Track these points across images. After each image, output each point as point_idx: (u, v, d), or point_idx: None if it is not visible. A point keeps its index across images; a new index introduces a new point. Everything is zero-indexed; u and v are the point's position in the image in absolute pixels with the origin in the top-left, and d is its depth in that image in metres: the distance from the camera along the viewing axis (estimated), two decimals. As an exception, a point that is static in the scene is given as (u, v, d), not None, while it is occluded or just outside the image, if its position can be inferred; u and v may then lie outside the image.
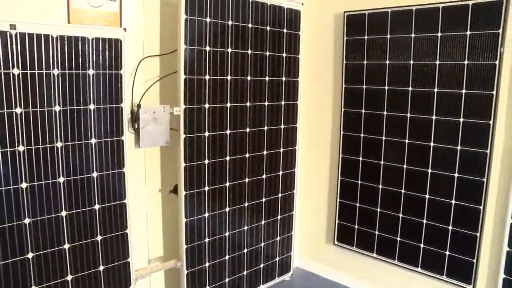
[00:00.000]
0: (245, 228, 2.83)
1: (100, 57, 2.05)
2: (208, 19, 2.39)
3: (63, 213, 2.01)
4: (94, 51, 2.02)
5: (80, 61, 1.98)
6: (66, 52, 1.93)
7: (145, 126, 2.30)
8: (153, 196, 2.62)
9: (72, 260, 2.06)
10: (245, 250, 2.86)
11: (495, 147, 2.36)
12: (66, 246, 2.03)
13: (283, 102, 2.93)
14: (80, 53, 1.97)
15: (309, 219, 3.36)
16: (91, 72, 2.02)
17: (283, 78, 2.90)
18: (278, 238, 3.09)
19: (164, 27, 2.48)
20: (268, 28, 2.73)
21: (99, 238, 2.15)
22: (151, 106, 2.34)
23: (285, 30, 2.85)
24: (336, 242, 3.13)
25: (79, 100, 2.00)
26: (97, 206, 2.12)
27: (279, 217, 3.06)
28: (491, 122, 2.32)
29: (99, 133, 2.09)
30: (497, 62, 2.28)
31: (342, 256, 3.17)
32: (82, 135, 2.03)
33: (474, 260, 2.47)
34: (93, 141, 2.07)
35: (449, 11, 2.41)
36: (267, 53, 2.75)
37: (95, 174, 2.10)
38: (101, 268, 2.17)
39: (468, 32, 2.36)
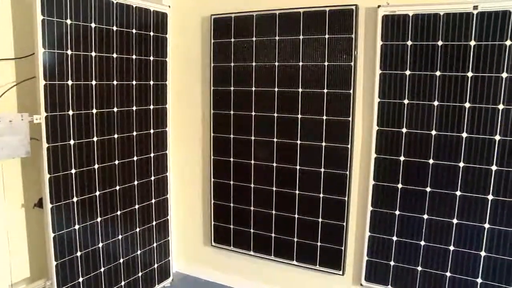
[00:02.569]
0: (120, 237, 2.73)
1: None
2: (68, 21, 2.26)
3: None
4: None
5: None
6: None
7: (0, 137, 2.10)
8: (15, 212, 2.40)
9: None
10: (121, 260, 2.76)
11: (355, 142, 2.60)
12: None
13: (152, 107, 2.88)
14: None
15: (185, 222, 3.36)
16: None
17: (151, 82, 2.86)
18: (155, 244, 3.03)
19: (19, 29, 2.29)
20: (134, 31, 2.67)
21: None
22: (7, 114, 2.13)
23: (152, 33, 2.81)
24: (213, 244, 3.17)
25: None
26: None
27: (154, 223, 3.01)
28: (350, 118, 2.55)
29: None
30: (352, 64, 2.51)
31: (221, 257, 3.23)
32: None
33: (342, 248, 2.69)
34: None
35: (309, 16, 2.59)
36: (134, 57, 2.69)
37: None
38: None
39: (327, 36, 2.56)
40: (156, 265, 3.06)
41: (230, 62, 2.89)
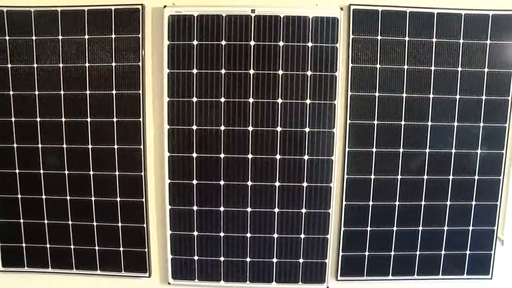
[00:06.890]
0: None
1: None
2: None
3: None
4: None
5: None
6: None
7: None
8: None
9: None
10: None
11: (147, 142, 2.59)
12: None
13: None
14: None
15: (-33, 247, 2.93)
16: None
17: None
18: None
19: None
20: None
21: None
22: None
23: None
24: (3, 268, 2.82)
25: None
26: None
27: None
28: (141, 119, 2.53)
29: None
30: (140, 64, 2.49)
31: (13, 281, 2.88)
32: None
33: (146, 250, 2.66)
34: None
35: (94, 14, 2.48)
36: None
37: None
38: None
39: (114, 35, 2.48)
40: None
41: (6, 63, 2.59)
